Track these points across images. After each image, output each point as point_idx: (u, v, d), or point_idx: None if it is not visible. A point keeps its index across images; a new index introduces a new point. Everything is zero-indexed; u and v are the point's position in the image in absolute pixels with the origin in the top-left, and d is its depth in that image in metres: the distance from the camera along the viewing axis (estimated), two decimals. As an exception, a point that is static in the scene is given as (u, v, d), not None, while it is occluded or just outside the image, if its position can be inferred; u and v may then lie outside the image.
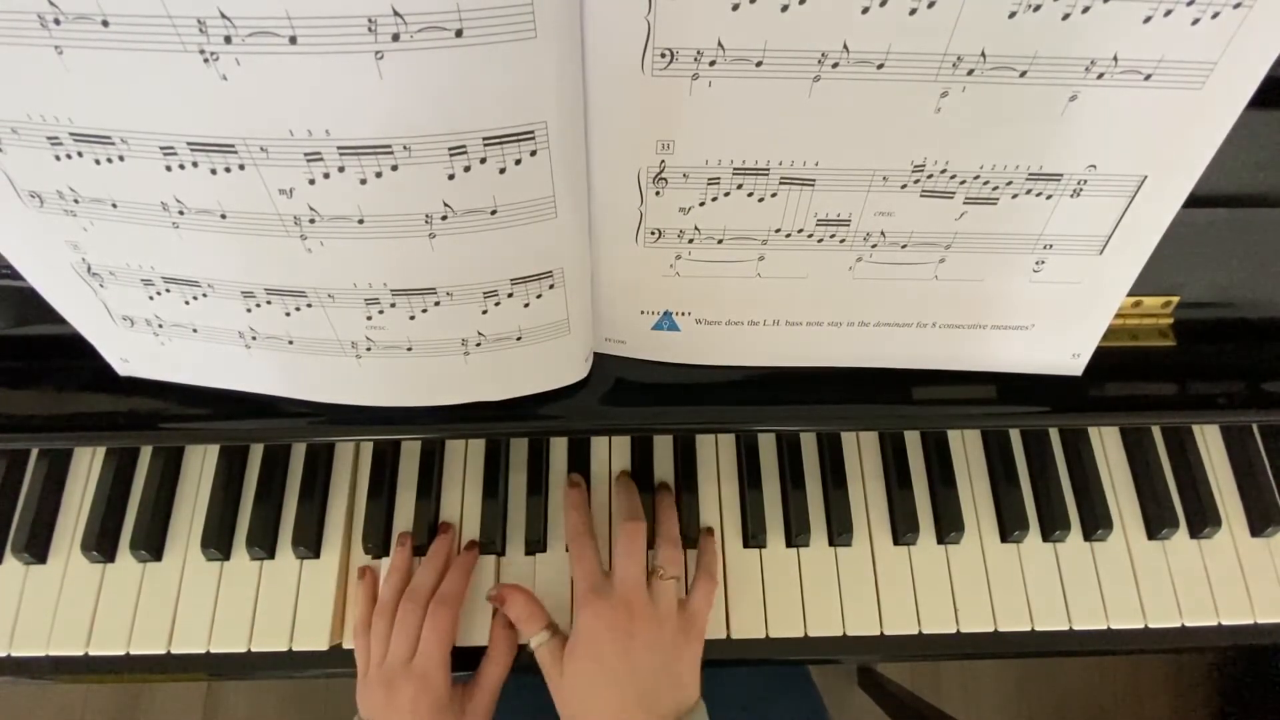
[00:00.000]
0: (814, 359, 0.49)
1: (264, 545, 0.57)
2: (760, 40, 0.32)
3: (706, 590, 0.53)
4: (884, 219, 0.40)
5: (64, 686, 1.30)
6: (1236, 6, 0.31)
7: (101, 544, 0.57)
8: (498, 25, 0.29)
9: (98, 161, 0.34)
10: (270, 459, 0.60)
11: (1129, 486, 0.61)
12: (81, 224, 0.38)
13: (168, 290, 0.41)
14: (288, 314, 0.41)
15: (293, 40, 0.29)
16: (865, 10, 0.31)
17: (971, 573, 0.58)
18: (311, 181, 0.34)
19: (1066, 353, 0.48)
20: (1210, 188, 0.38)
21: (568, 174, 0.36)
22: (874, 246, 0.42)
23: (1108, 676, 1.35)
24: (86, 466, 0.60)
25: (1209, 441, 0.62)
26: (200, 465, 0.60)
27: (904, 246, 0.42)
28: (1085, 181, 0.38)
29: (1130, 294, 0.44)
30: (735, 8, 0.31)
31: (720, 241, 0.41)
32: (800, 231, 0.41)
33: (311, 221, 0.36)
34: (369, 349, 0.43)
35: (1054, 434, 0.62)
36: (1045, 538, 0.59)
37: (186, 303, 0.42)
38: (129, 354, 0.48)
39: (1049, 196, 0.39)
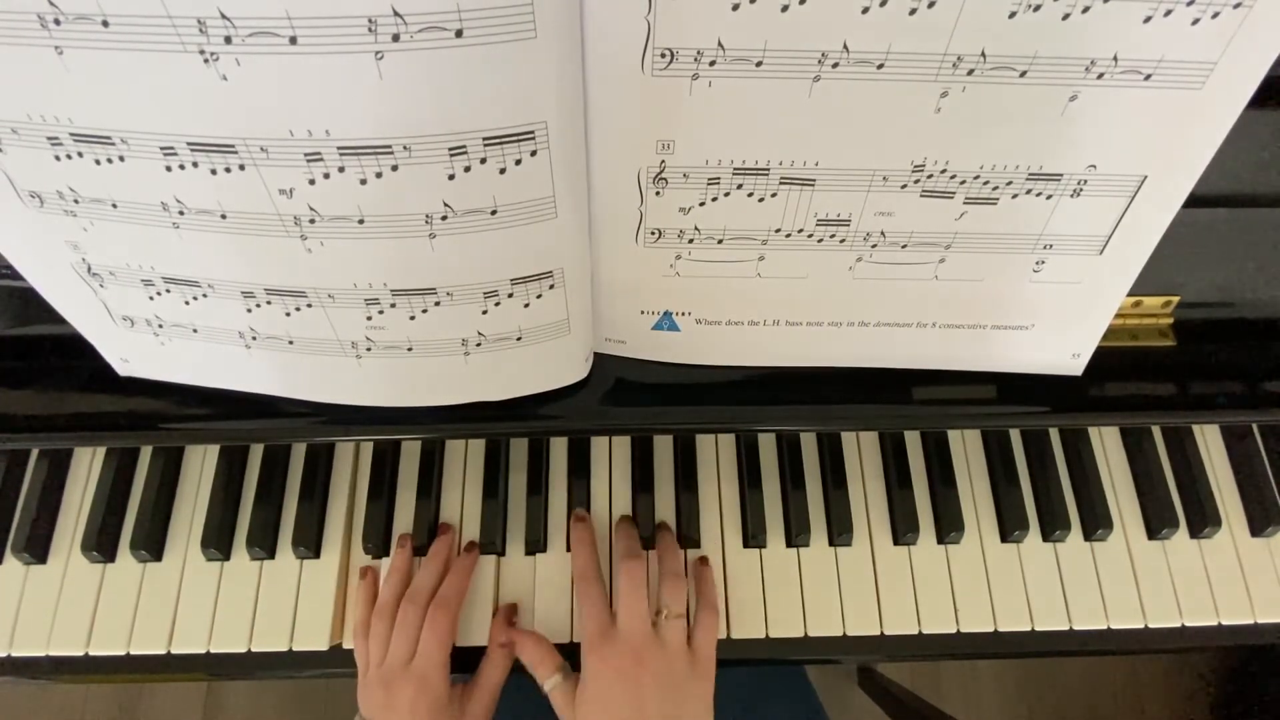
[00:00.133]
0: (814, 359, 0.49)
1: (264, 545, 0.57)
2: (760, 40, 0.32)
3: (710, 624, 0.52)
4: (884, 219, 0.40)
5: (64, 686, 1.30)
6: (1236, 6, 0.31)
7: (101, 544, 0.57)
8: (498, 25, 0.29)
9: (98, 161, 0.34)
10: (270, 459, 0.60)
11: (1129, 486, 0.61)
12: (81, 224, 0.38)
13: (168, 290, 0.41)
14: (288, 314, 0.41)
15: (293, 40, 0.29)
16: (865, 10, 0.31)
17: (971, 573, 0.58)
18: (311, 182, 0.34)
19: (1066, 353, 0.48)
20: (1210, 188, 0.38)
21: (568, 174, 0.36)
22: (874, 246, 0.42)
23: (1108, 676, 1.35)
24: (86, 466, 0.60)
25: (1209, 441, 0.62)
26: (200, 465, 0.60)
27: (904, 246, 0.42)
28: (1085, 181, 0.38)
29: (1130, 294, 0.44)
30: (735, 8, 0.31)
31: (720, 241, 0.41)
32: (800, 231, 0.41)
33: (311, 221, 0.36)
34: (369, 349, 0.43)
35: (1054, 434, 0.62)
36: (1045, 538, 0.59)
37: (186, 303, 0.42)
38: (129, 354, 0.48)
39: (1049, 196, 0.39)
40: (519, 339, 0.44)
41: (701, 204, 0.39)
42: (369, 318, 0.41)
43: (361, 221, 0.35)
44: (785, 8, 0.31)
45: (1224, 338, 0.53)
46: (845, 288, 0.44)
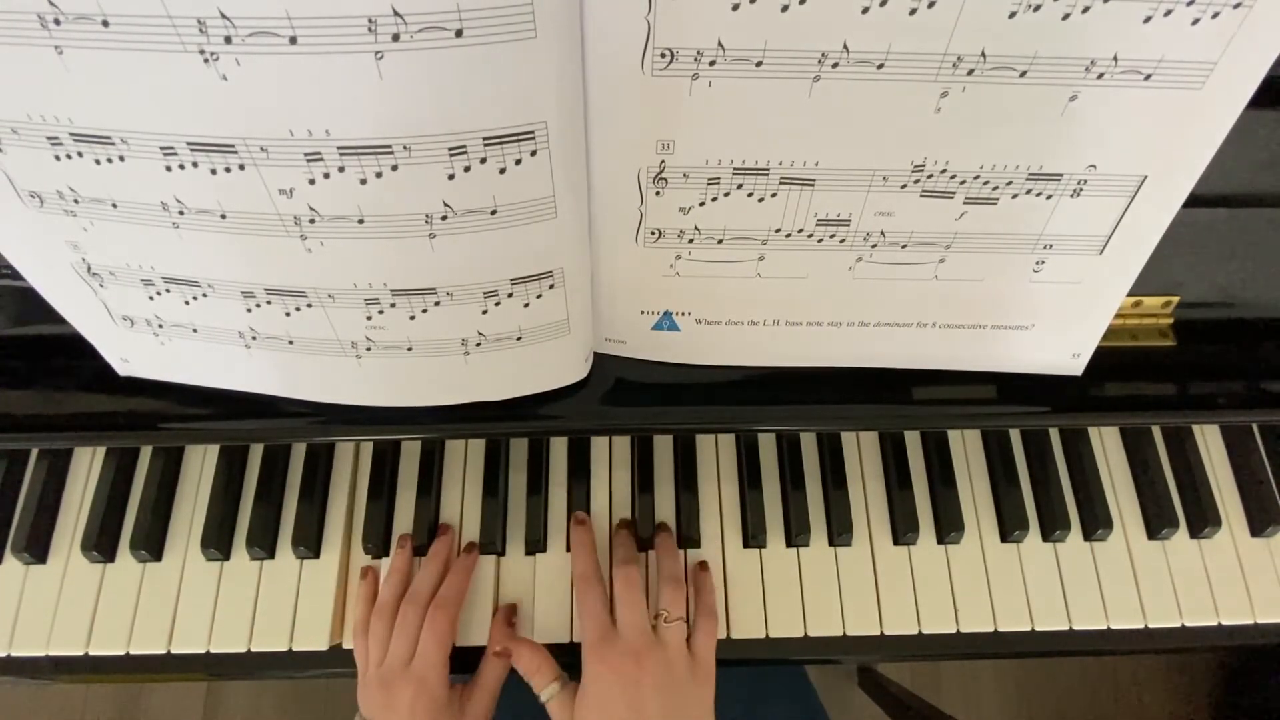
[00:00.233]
0: (814, 359, 0.49)
1: (264, 545, 0.57)
2: (760, 40, 0.32)
3: (709, 629, 0.52)
4: (884, 219, 0.40)
5: (64, 686, 1.30)
6: (1236, 6, 0.31)
7: (101, 544, 0.57)
8: (498, 25, 0.29)
9: (98, 161, 0.34)
10: (270, 459, 0.60)
11: (1129, 486, 0.61)
12: (81, 224, 0.38)
13: (168, 290, 0.41)
14: (288, 314, 0.41)
15: (293, 40, 0.29)
16: (865, 10, 0.31)
17: (971, 573, 0.58)
18: (311, 181, 0.34)
19: (1066, 353, 0.48)
20: (1210, 188, 0.38)
21: (568, 174, 0.36)
22: (874, 246, 0.42)
23: (1108, 676, 1.35)
24: (86, 466, 0.60)
25: (1209, 441, 0.62)
26: (200, 465, 0.60)
27: (904, 246, 0.42)
28: (1085, 181, 0.38)
29: (1130, 294, 0.44)
30: (735, 8, 0.31)
31: (720, 241, 0.41)
32: (800, 231, 0.41)
33: (311, 221, 0.36)
34: (369, 349, 0.43)
35: (1054, 434, 0.62)
36: (1045, 538, 0.59)
37: (186, 303, 0.42)
38: (129, 354, 0.48)
39: (1049, 196, 0.39)
40: (519, 339, 0.44)
41: (701, 204, 0.39)
42: (369, 318, 0.41)
43: (361, 221, 0.35)
44: (785, 8, 0.31)
45: (1224, 338, 0.53)
46: (845, 288, 0.44)
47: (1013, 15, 0.31)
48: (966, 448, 0.61)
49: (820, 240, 0.41)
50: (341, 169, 0.33)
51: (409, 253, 0.37)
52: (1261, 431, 0.62)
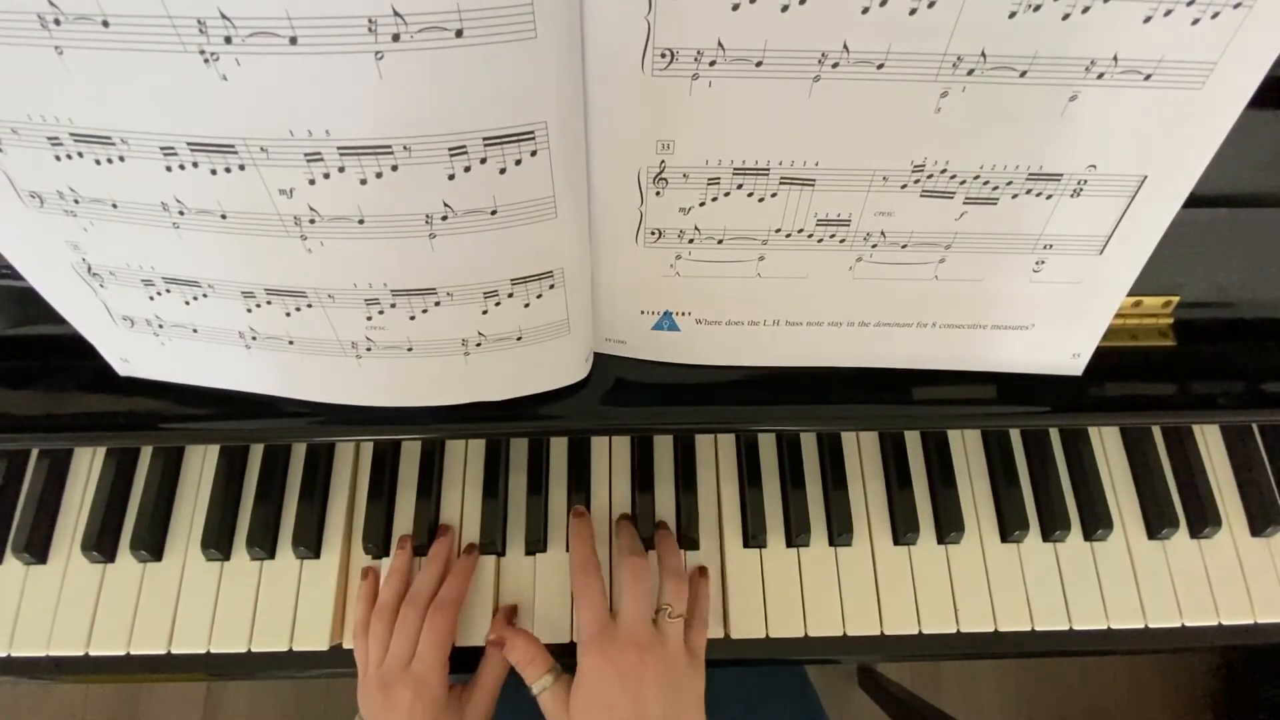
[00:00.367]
0: (814, 359, 0.49)
1: (264, 545, 0.57)
2: (760, 40, 0.32)
3: (703, 627, 0.53)
4: (884, 219, 0.40)
5: (64, 686, 1.30)
6: (1236, 6, 0.31)
7: (101, 544, 0.57)
8: (498, 25, 0.29)
9: (98, 162, 0.34)
10: (270, 459, 0.60)
11: (1129, 486, 0.61)
12: (81, 224, 0.38)
13: (168, 290, 0.41)
14: (288, 314, 0.41)
15: (293, 40, 0.29)
16: (865, 10, 0.31)
17: (971, 573, 0.58)
18: (311, 182, 0.34)
19: (1066, 353, 0.48)
20: (1210, 188, 0.38)
21: (568, 174, 0.36)
22: (874, 246, 0.42)
23: (1108, 676, 1.35)
24: (86, 466, 0.60)
25: (1209, 441, 0.62)
26: (200, 465, 0.60)
27: (904, 246, 0.42)
28: (1085, 181, 0.38)
29: (1130, 294, 0.44)
30: (735, 8, 0.31)
31: (720, 241, 0.41)
32: (800, 231, 0.41)
33: (311, 222, 0.36)
34: (369, 349, 0.43)
35: (1054, 434, 0.62)
36: (1045, 538, 0.59)
37: (186, 303, 0.42)
38: (129, 354, 0.48)
39: (1049, 196, 0.39)
40: (519, 339, 0.44)
41: (701, 204, 0.39)
42: (369, 318, 0.41)
43: (361, 221, 0.35)
44: (785, 8, 0.31)
45: (1224, 338, 0.53)
46: (845, 288, 0.44)
47: (1013, 15, 0.31)
48: (966, 448, 0.61)
49: (820, 240, 0.41)
50: (341, 169, 0.33)
51: (409, 253, 0.37)
52: (1261, 431, 0.62)
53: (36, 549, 0.57)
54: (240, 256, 0.38)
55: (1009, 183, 0.38)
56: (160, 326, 0.44)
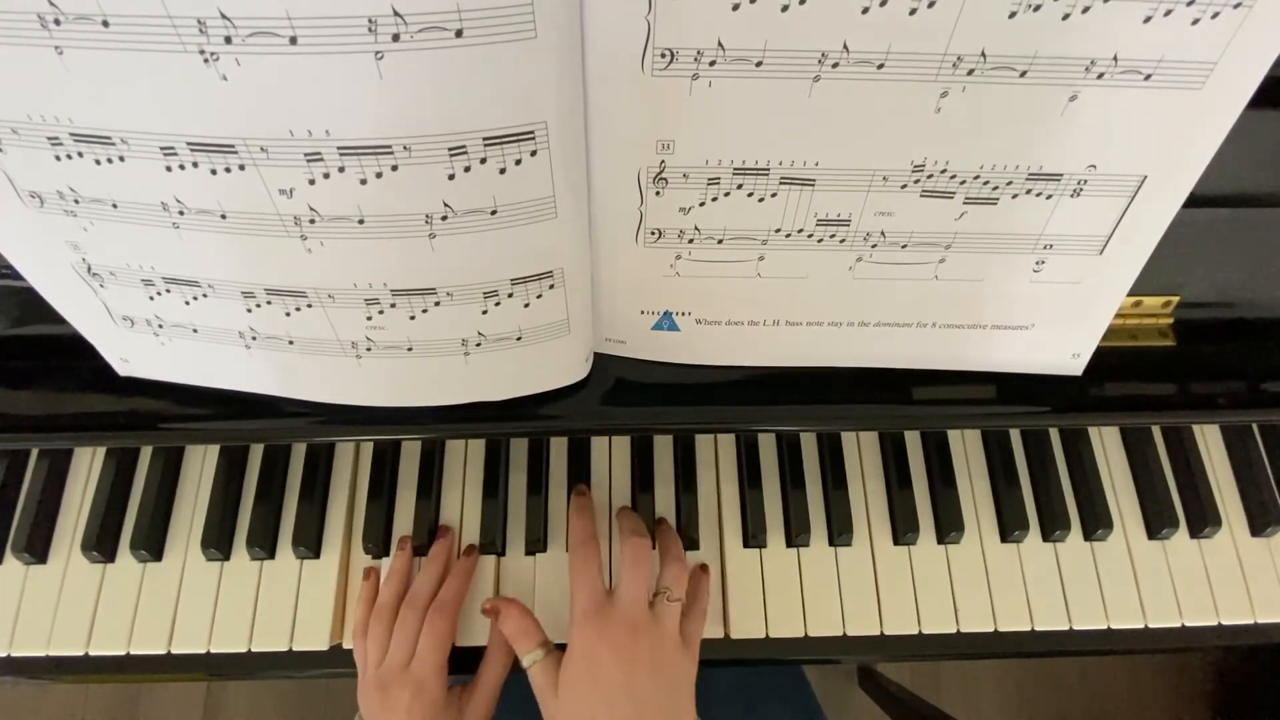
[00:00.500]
0: (814, 359, 0.49)
1: (264, 545, 0.57)
2: (760, 40, 0.32)
3: (700, 620, 0.52)
4: (884, 219, 0.40)
5: (64, 686, 1.30)
6: (1236, 6, 0.31)
7: (101, 544, 0.57)
8: (498, 25, 0.29)
9: (98, 162, 0.34)
10: (270, 459, 0.60)
11: (1129, 486, 0.61)
12: (81, 224, 0.38)
13: (168, 290, 0.41)
14: (288, 314, 0.41)
15: (293, 40, 0.29)
16: (865, 10, 0.31)
17: (971, 573, 0.58)
18: (311, 182, 0.34)
19: (1066, 353, 0.48)
20: (1210, 188, 0.38)
21: (568, 174, 0.36)
22: (874, 246, 0.42)
23: (1108, 676, 1.35)
24: (86, 466, 0.60)
25: (1209, 441, 0.62)
26: (200, 465, 0.60)
27: (904, 246, 0.42)
28: (1085, 181, 0.38)
29: (1130, 294, 0.44)
30: (735, 8, 0.31)
31: (720, 241, 0.41)
32: (800, 231, 0.41)
33: (311, 221, 0.36)
34: (369, 349, 0.43)
35: (1054, 434, 0.62)
36: (1045, 538, 0.59)
37: (186, 303, 0.42)
38: (129, 354, 0.48)
39: (1049, 196, 0.39)
40: (519, 339, 0.44)
41: (701, 204, 0.39)
42: (369, 318, 0.41)
43: (361, 221, 0.35)
44: (785, 8, 0.31)
45: (1224, 338, 0.53)
46: (845, 288, 0.44)
47: (1013, 15, 0.31)
48: (966, 448, 0.61)
49: (820, 240, 0.41)
50: (341, 169, 0.33)
51: (409, 253, 0.37)
52: (1261, 431, 0.62)
53: (36, 549, 0.57)
54: (240, 256, 0.38)
55: (1009, 183, 0.38)
56: (160, 326, 0.44)
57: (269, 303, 0.41)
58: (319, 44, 0.29)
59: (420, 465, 0.60)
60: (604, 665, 0.46)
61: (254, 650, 0.55)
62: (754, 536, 0.58)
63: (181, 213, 0.36)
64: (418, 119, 0.32)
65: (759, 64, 0.33)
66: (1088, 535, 0.59)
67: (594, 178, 0.38)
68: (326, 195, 0.34)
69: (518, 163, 0.34)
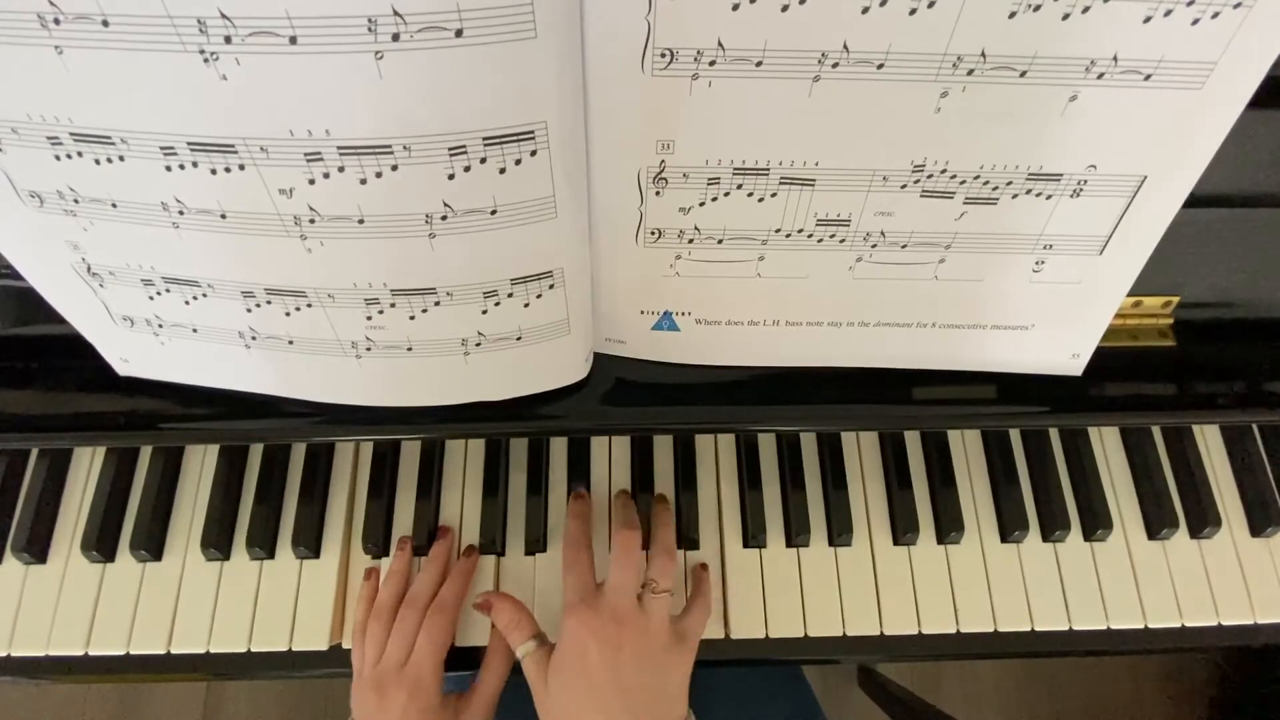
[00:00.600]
0: (814, 359, 0.49)
1: (264, 545, 0.57)
2: (760, 40, 0.32)
3: (702, 612, 0.52)
4: (884, 219, 0.40)
5: (64, 686, 1.30)
6: (1236, 6, 0.31)
7: (101, 544, 0.57)
8: (498, 25, 0.29)
9: (98, 161, 0.34)
10: (270, 459, 0.60)
11: (1129, 486, 0.61)
12: (81, 224, 0.38)
13: (168, 290, 0.41)
14: (288, 314, 0.41)
15: (293, 40, 0.29)
16: (865, 10, 0.31)
17: (971, 573, 0.58)
18: (311, 181, 0.34)
19: (1066, 353, 0.48)
20: (1210, 188, 0.38)
21: (568, 174, 0.36)
22: (874, 246, 0.42)
23: (1108, 676, 1.35)
24: (86, 466, 0.60)
25: (1209, 441, 0.62)
26: (200, 465, 0.60)
27: (904, 246, 0.42)
28: (1085, 181, 0.38)
29: (1130, 294, 0.44)
30: (735, 8, 0.31)
31: (720, 241, 0.41)
32: (800, 231, 0.41)
33: (311, 221, 0.36)
34: (369, 349, 0.43)
35: (1054, 434, 0.62)
36: (1045, 538, 0.59)
37: (186, 303, 0.42)
38: (129, 354, 0.48)
39: (1049, 196, 0.39)
40: (519, 339, 0.44)
41: (701, 204, 0.39)
42: (369, 318, 0.41)
43: (361, 221, 0.35)
44: (785, 8, 0.31)
45: (1224, 338, 0.53)
46: (845, 288, 0.44)
47: (1013, 15, 0.31)
48: (966, 448, 0.61)
49: (820, 240, 0.41)
50: (341, 169, 0.33)
51: (409, 253, 0.37)
52: (1261, 431, 0.62)
53: (36, 549, 0.57)
54: (240, 256, 0.38)
55: (1009, 183, 0.38)
56: (160, 326, 0.44)
57: (269, 302, 0.41)
58: (319, 44, 0.29)
59: (420, 465, 0.60)
60: (590, 655, 0.46)
61: (254, 650, 0.55)
62: (754, 536, 0.58)
63: (181, 212, 0.36)
64: (417, 119, 0.32)
65: (759, 64, 0.33)
66: (1087, 535, 0.59)
67: (594, 178, 0.38)
68: (326, 195, 0.34)
69: (518, 163, 0.34)
